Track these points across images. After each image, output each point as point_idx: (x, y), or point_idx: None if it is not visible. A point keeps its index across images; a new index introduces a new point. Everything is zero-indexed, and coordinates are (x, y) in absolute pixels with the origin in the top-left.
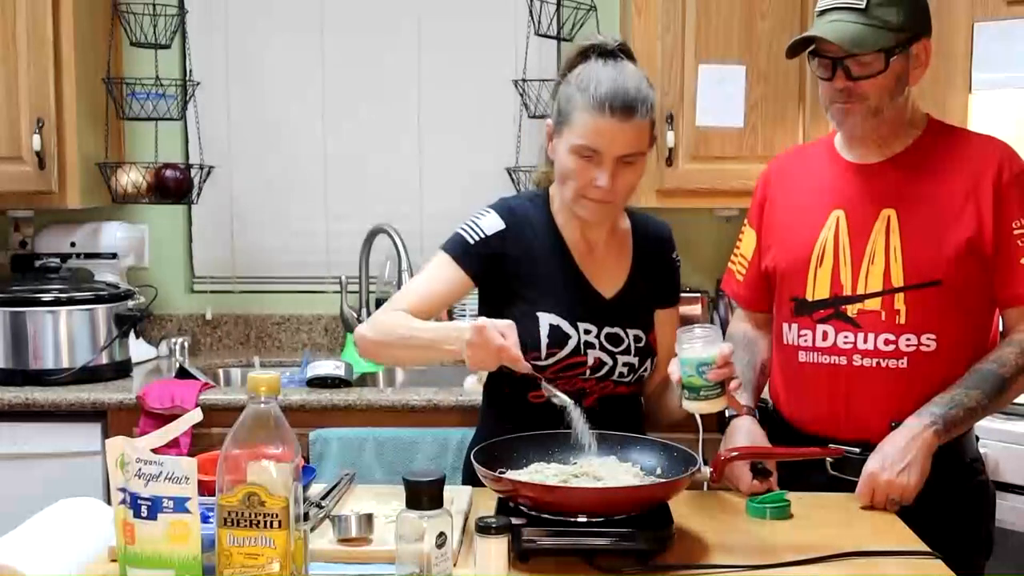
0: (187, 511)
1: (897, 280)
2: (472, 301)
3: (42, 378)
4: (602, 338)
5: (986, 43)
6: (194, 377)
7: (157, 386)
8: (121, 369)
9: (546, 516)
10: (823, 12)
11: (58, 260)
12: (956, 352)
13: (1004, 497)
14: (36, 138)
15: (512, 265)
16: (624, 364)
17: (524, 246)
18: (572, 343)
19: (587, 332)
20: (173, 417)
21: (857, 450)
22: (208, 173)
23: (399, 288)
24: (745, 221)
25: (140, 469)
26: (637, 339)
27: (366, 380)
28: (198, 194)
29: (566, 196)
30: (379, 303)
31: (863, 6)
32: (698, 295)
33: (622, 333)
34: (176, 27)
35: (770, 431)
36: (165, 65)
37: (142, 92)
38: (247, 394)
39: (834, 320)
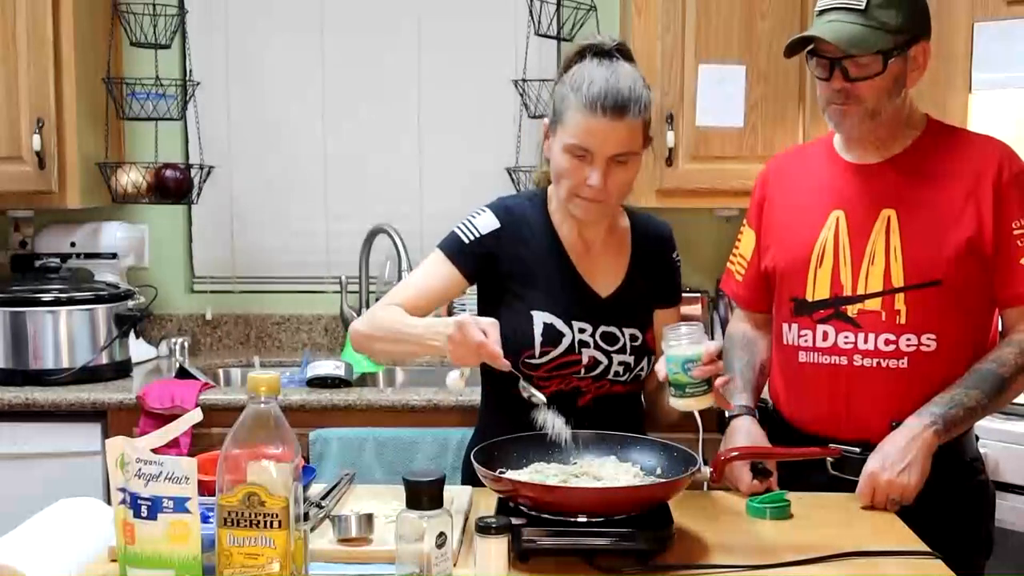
0: (187, 511)
1: (897, 280)
2: (472, 299)
3: (42, 378)
4: (597, 337)
5: (986, 43)
6: (194, 377)
7: (157, 386)
8: (121, 369)
9: (546, 516)
10: (822, 12)
11: (58, 260)
12: (956, 352)
13: (1004, 497)
14: (36, 138)
15: (507, 264)
16: (620, 363)
17: (520, 245)
18: (566, 342)
19: (582, 331)
20: (173, 417)
21: (857, 450)
22: (208, 173)
23: None
24: (744, 221)
25: (140, 469)
26: (633, 338)
27: (366, 380)
28: (198, 194)
29: (560, 195)
30: None
31: (862, 7)
32: (698, 295)
33: (618, 332)
34: (176, 27)
35: (770, 431)
36: (165, 65)
37: (142, 92)
38: (247, 394)
39: (834, 320)
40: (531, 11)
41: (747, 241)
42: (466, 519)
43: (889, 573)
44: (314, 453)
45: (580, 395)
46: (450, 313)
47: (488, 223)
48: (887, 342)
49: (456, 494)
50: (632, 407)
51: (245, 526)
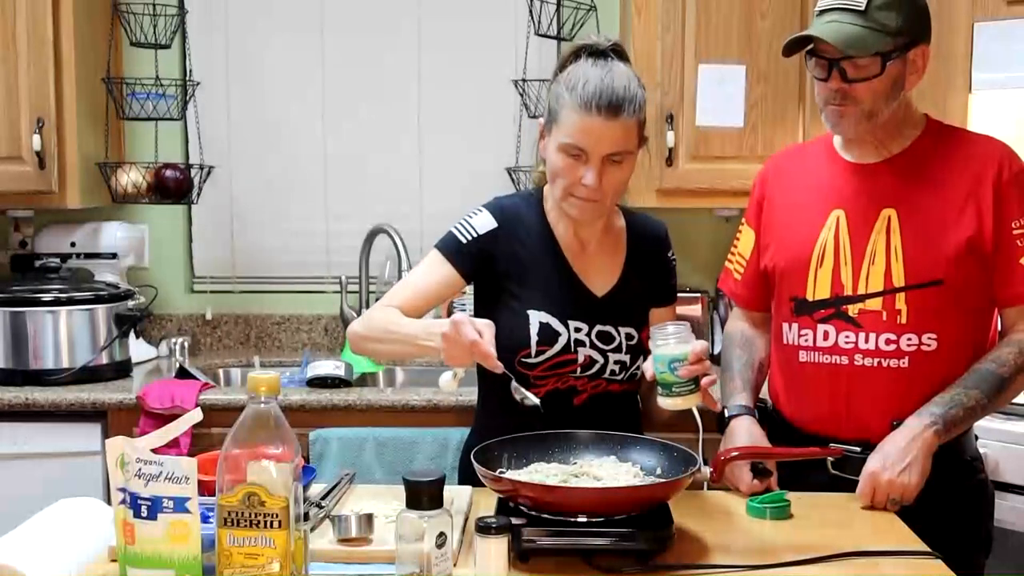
0: (187, 511)
1: (898, 280)
2: (472, 299)
3: (42, 378)
4: (593, 336)
5: (986, 43)
6: (194, 377)
7: (157, 386)
8: (121, 369)
9: (546, 516)
10: (822, 12)
11: (58, 260)
12: (957, 352)
13: (1004, 497)
14: (36, 138)
15: (504, 264)
16: (615, 362)
17: (516, 245)
18: (562, 341)
19: (578, 330)
20: (173, 417)
21: (857, 449)
22: (208, 173)
23: None
24: (743, 220)
25: (140, 469)
26: (629, 337)
27: (366, 380)
28: (198, 194)
29: (556, 195)
30: None
31: (863, 8)
32: (698, 295)
33: (613, 331)
34: (176, 27)
35: (770, 431)
36: (165, 65)
37: (142, 92)
38: (247, 394)
39: (835, 320)
40: (531, 11)
41: (746, 240)
42: (466, 519)
43: (889, 573)
44: (314, 453)
45: (576, 394)
46: (450, 313)
47: (485, 223)
48: (888, 342)
49: (456, 494)
50: (628, 406)
51: (245, 526)
